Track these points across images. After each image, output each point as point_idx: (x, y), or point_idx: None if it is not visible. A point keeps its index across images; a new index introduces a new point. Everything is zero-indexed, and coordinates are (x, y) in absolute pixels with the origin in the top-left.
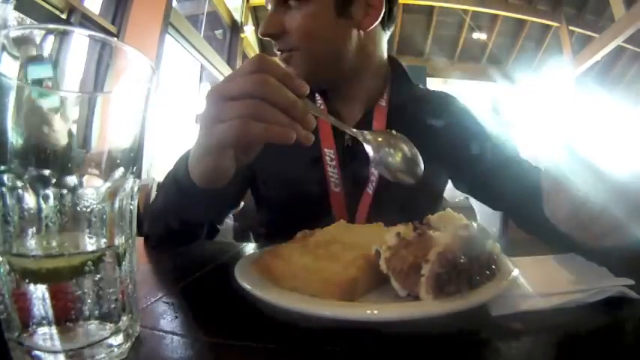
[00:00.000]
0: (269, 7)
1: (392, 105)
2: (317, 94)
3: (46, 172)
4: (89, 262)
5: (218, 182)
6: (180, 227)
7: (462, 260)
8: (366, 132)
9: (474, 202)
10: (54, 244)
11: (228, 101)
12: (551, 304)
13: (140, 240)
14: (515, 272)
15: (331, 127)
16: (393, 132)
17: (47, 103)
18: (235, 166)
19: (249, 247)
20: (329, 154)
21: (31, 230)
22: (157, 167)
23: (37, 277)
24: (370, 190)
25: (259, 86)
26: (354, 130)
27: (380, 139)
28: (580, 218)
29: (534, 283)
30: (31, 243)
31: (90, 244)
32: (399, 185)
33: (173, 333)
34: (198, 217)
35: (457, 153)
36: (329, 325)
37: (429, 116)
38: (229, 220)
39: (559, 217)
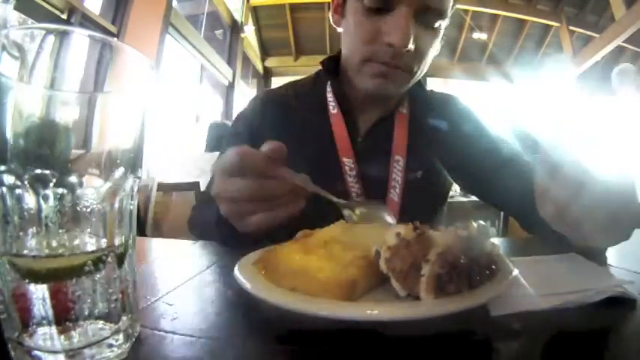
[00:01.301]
0: (400, 18)
1: (412, 112)
2: (330, 97)
3: (46, 172)
4: (89, 262)
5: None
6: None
7: (462, 260)
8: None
9: None
10: (54, 244)
11: (236, 202)
12: (551, 304)
13: (140, 240)
14: (515, 272)
15: (347, 134)
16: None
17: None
18: None
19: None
20: (348, 163)
21: (31, 230)
22: (157, 167)
23: (37, 277)
24: (395, 196)
25: (255, 192)
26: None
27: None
28: (566, 219)
29: (534, 283)
30: (31, 243)
31: (90, 244)
32: (425, 186)
33: (173, 333)
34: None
35: (460, 152)
36: (329, 325)
37: (439, 119)
38: None
39: (548, 216)
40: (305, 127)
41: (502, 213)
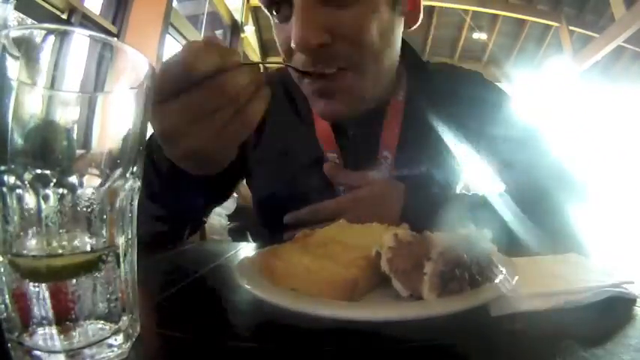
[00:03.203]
0: (296, 11)
1: (408, 99)
2: None
3: (46, 172)
4: (89, 262)
5: (210, 170)
6: (167, 215)
7: (464, 259)
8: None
9: None
10: (54, 244)
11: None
12: (551, 304)
13: None
14: (515, 272)
15: (330, 125)
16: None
17: None
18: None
19: (248, 248)
20: (332, 158)
21: (31, 230)
22: None
23: (38, 276)
24: None
25: (214, 101)
26: None
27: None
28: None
29: (534, 283)
30: (31, 243)
31: (90, 244)
32: (415, 183)
33: (173, 333)
34: (186, 204)
35: (468, 146)
36: (329, 325)
37: (446, 108)
38: (224, 221)
39: None
40: (288, 120)
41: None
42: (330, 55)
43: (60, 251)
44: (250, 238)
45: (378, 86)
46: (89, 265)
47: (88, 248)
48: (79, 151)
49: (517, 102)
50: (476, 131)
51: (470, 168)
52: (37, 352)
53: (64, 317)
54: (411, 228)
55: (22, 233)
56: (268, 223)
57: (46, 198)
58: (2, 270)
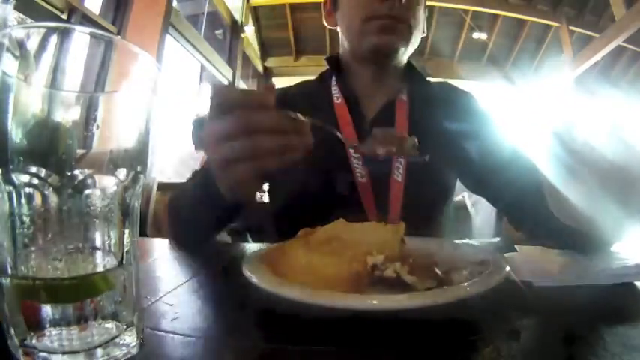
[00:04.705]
0: None
1: (412, 100)
2: (335, 89)
3: (48, 172)
4: (96, 285)
5: (248, 196)
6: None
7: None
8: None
9: (468, 202)
10: (56, 246)
11: (229, 141)
12: (583, 281)
13: (140, 240)
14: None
15: (352, 120)
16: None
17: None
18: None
19: (248, 248)
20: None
21: (33, 232)
22: (157, 167)
23: (41, 293)
24: (399, 177)
25: (250, 125)
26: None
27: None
28: (581, 221)
29: (560, 263)
30: (37, 260)
31: (92, 245)
32: (426, 172)
33: (173, 333)
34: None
35: (465, 149)
36: (330, 323)
37: (442, 113)
38: None
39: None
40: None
41: (495, 213)
42: (401, 9)
43: (62, 258)
44: (250, 239)
45: (412, 46)
46: (97, 288)
47: (91, 250)
48: (82, 151)
49: (504, 126)
50: (464, 137)
51: (463, 162)
52: (43, 354)
53: (72, 318)
54: (408, 226)
55: (27, 240)
56: (289, 217)
57: (47, 198)
58: (7, 285)
